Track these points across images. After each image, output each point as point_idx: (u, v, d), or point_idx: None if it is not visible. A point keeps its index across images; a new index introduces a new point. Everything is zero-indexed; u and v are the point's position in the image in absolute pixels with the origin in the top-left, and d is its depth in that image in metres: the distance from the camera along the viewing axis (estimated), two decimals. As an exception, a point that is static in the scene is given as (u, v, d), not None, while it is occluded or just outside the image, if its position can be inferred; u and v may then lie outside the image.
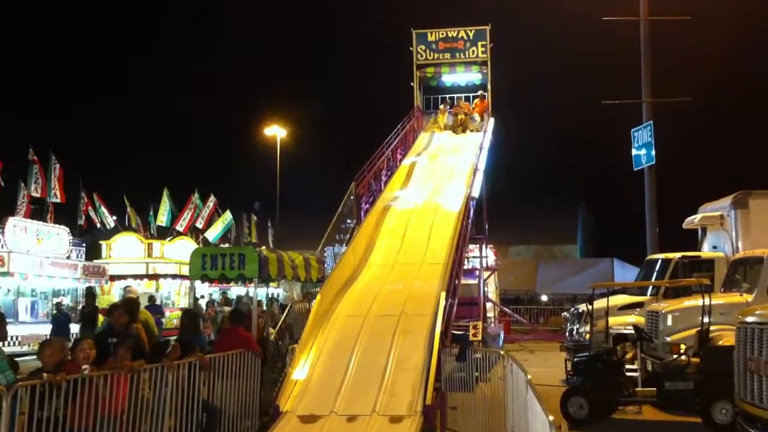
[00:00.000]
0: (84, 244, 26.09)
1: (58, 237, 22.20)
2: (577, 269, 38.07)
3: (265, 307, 13.38)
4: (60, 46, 74.24)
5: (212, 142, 76.03)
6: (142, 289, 23.42)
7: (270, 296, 17.82)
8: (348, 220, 17.23)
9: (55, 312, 17.90)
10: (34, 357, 9.18)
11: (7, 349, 13.88)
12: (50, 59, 71.90)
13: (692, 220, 16.08)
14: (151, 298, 19.95)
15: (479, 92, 26.36)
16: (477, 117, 25.33)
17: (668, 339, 11.98)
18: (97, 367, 7.09)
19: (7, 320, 12.28)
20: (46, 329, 19.41)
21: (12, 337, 18.51)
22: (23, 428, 6.11)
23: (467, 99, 26.31)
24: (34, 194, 22.87)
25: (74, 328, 17.45)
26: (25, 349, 15.75)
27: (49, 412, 6.33)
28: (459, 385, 10.58)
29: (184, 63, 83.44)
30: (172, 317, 22.76)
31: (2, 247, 19.67)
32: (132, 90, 77.36)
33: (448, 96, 27.16)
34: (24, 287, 20.24)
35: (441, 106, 26.30)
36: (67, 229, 23.04)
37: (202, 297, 24.86)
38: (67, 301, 21.95)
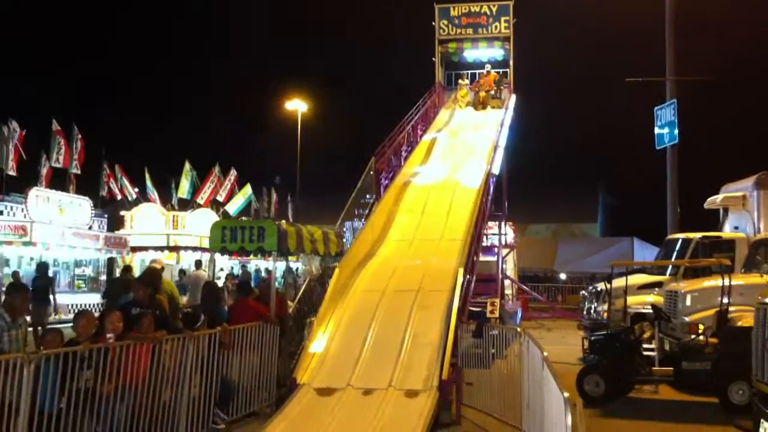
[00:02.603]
0: (106, 216, 26.31)
1: (80, 207, 22.39)
2: (597, 248, 37.97)
3: (278, 284, 13.27)
4: (83, 23, 74.39)
5: (233, 116, 76.20)
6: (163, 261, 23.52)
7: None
8: (367, 196, 17.24)
9: (11, 281, 16.19)
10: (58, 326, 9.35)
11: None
12: (75, 35, 72.09)
13: (714, 200, 15.94)
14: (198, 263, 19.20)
15: (486, 68, 26.00)
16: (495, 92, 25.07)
17: (687, 319, 11.92)
18: (121, 338, 7.21)
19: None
20: (67, 299, 19.68)
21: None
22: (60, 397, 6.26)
23: (488, 73, 26.03)
24: (55, 165, 23.06)
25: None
26: (49, 318, 15.88)
27: (79, 384, 6.46)
28: (475, 361, 10.65)
29: (207, 38, 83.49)
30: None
31: (25, 217, 19.87)
32: (155, 66, 77.49)
33: (469, 72, 26.98)
34: (46, 257, 20.44)
35: (460, 81, 26.05)
36: (89, 200, 23.21)
37: (222, 270, 25.06)
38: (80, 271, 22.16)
